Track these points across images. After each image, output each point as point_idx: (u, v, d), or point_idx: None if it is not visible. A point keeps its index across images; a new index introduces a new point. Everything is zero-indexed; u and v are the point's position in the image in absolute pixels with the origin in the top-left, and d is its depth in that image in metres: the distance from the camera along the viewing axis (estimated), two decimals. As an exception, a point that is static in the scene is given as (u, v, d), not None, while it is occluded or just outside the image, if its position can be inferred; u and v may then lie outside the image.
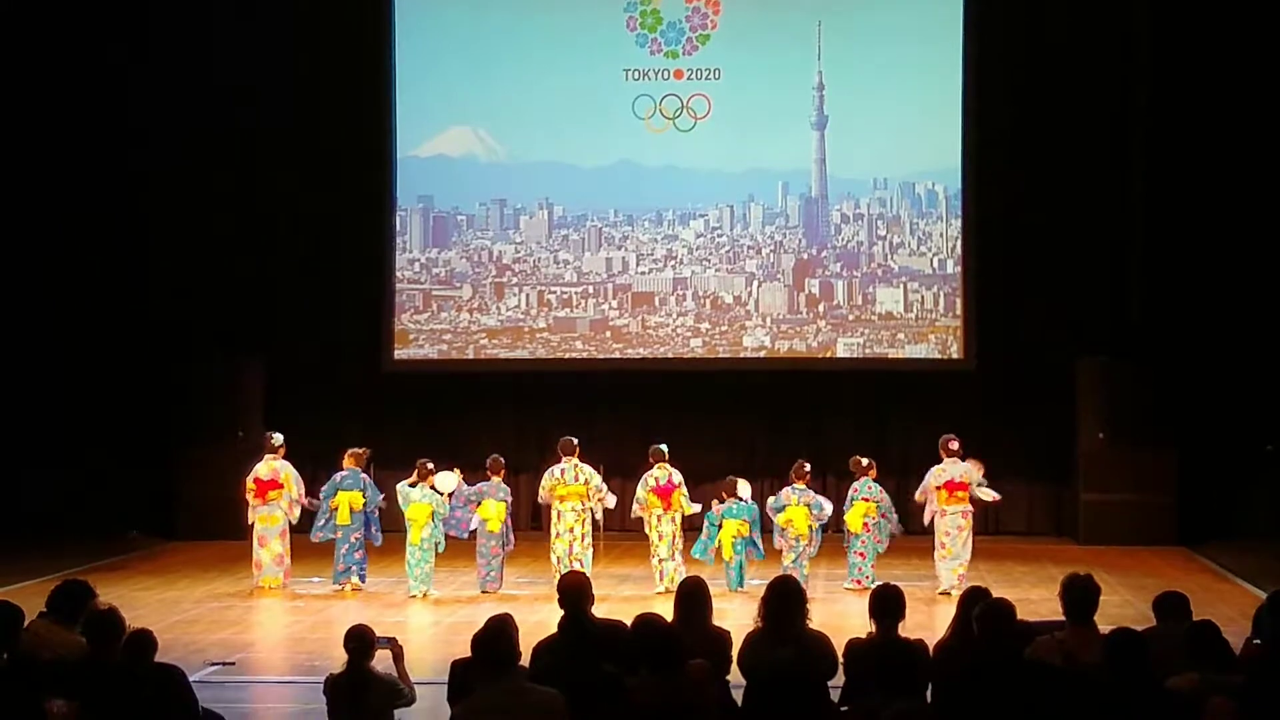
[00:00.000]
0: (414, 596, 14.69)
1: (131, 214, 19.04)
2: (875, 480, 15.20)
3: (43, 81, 18.78)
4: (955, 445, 14.97)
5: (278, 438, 15.60)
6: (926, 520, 15.11)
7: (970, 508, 15.00)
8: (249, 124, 18.86)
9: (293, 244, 19.22)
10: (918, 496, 15.13)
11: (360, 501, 15.10)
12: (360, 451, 15.41)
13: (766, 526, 15.05)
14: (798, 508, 14.72)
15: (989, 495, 15.24)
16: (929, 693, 7.07)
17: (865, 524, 14.89)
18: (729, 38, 18.73)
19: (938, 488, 14.86)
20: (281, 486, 15.37)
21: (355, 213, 19.12)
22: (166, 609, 14.00)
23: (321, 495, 15.25)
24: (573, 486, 14.94)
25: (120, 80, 18.87)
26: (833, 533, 15.53)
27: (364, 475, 15.30)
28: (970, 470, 15.00)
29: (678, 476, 14.95)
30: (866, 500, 14.98)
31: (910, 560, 16.09)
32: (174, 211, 18.98)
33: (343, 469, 15.27)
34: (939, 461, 15.05)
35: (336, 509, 15.06)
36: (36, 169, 18.83)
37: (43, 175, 18.88)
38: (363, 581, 15.15)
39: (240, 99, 18.78)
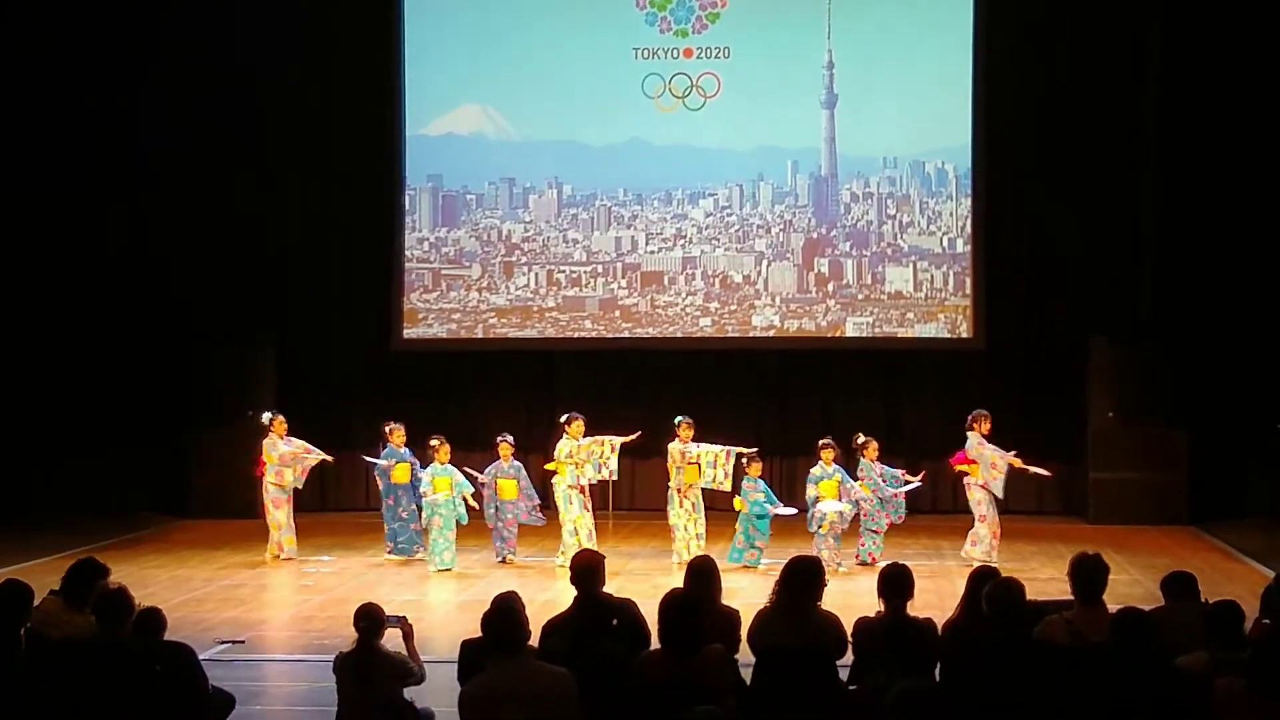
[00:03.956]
0: (443, 570, 14.87)
1: (141, 198, 19.02)
2: (874, 460, 15.17)
3: (51, 67, 18.78)
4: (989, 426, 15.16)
5: (267, 417, 16.00)
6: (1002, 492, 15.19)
7: None
8: (258, 104, 18.85)
9: (302, 224, 19.22)
10: (1000, 469, 15.04)
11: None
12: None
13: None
14: (830, 481, 14.88)
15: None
16: (937, 671, 7.08)
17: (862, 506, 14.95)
18: (738, 16, 18.67)
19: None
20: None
21: (364, 192, 19.12)
22: (177, 587, 14.05)
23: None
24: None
25: (130, 62, 18.85)
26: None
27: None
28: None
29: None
30: (860, 480, 15.00)
31: (919, 538, 16.10)
32: (183, 194, 18.97)
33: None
34: (964, 440, 15.16)
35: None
36: (47, 155, 18.83)
37: (54, 162, 18.87)
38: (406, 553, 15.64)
39: (249, 79, 18.76)
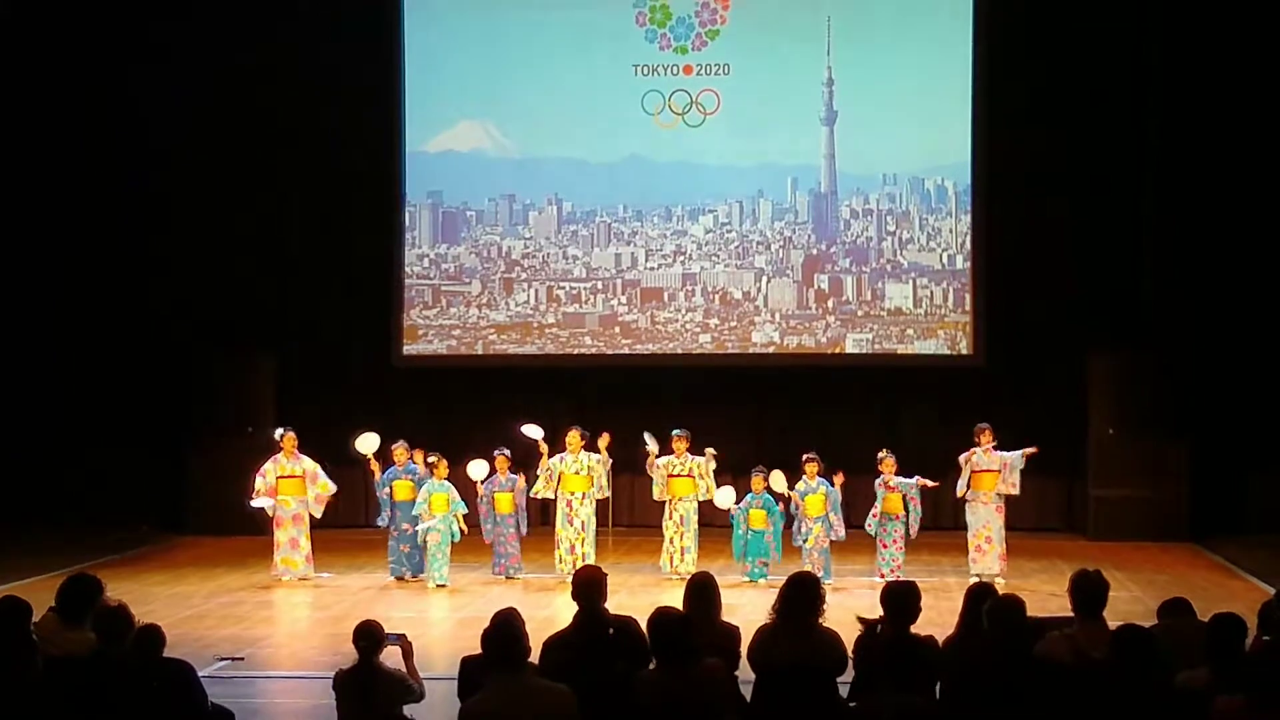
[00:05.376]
0: (440, 586, 14.87)
1: (143, 211, 19.05)
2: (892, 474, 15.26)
3: (54, 86, 18.83)
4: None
5: (279, 433, 15.87)
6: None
7: None
8: (259, 120, 18.87)
9: (303, 239, 19.24)
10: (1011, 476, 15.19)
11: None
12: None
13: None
14: (895, 493, 15.00)
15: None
16: (938, 689, 7.06)
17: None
18: (738, 33, 18.71)
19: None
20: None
21: (365, 208, 19.15)
22: (176, 604, 14.03)
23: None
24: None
25: (132, 78, 18.89)
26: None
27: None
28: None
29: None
30: (894, 492, 15.15)
31: (919, 554, 16.07)
32: (185, 208, 19.01)
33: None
34: (962, 452, 15.39)
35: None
36: (51, 168, 18.91)
37: (57, 175, 18.97)
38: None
39: (250, 96, 18.79)
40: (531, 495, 15.60)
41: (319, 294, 19.20)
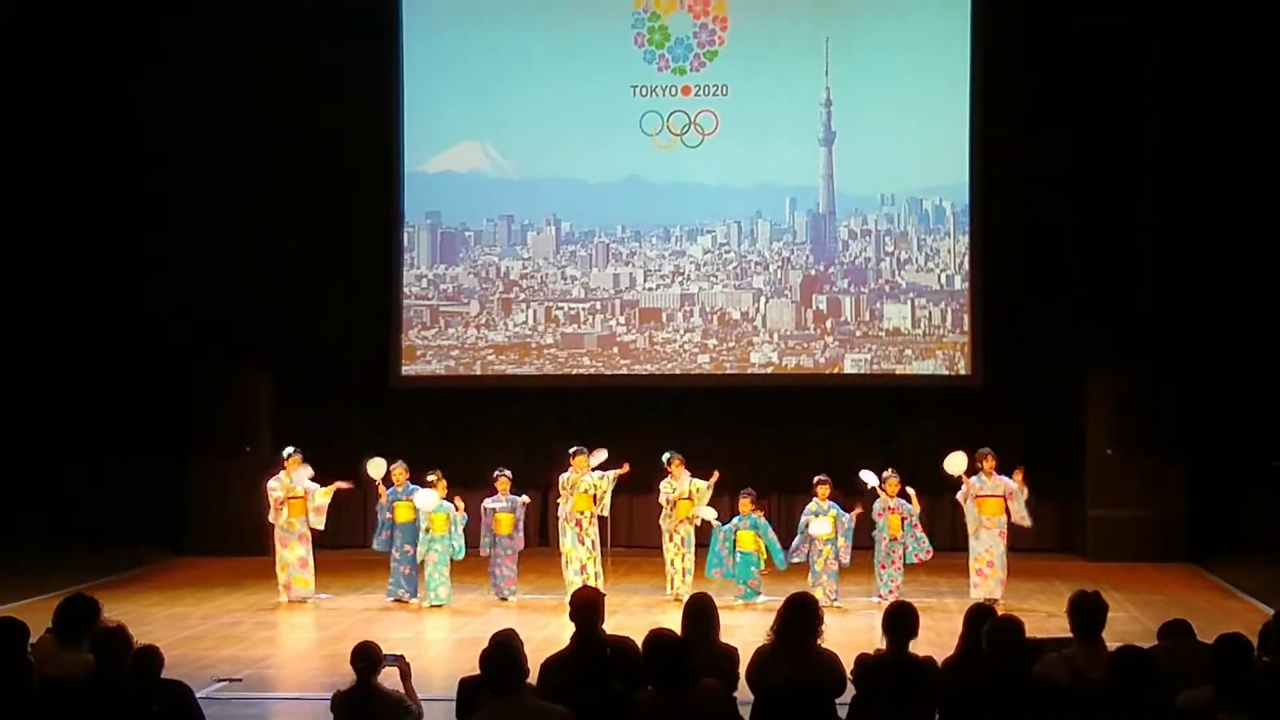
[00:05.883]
0: (436, 606, 14.88)
1: (143, 211, 19.05)
2: (895, 495, 15.27)
3: (55, 86, 18.87)
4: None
5: (288, 451, 15.85)
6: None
7: None
8: (259, 120, 18.86)
9: (301, 259, 19.24)
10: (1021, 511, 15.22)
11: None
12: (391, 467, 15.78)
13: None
14: (895, 515, 15.04)
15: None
16: (937, 710, 7.05)
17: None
18: (737, 54, 18.74)
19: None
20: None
21: (363, 228, 19.15)
22: (174, 625, 14.01)
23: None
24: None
25: (132, 79, 18.90)
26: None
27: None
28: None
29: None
30: (893, 513, 15.17)
31: (917, 575, 16.06)
32: (185, 208, 19.01)
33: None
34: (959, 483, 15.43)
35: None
36: (51, 169, 18.96)
37: (58, 175, 19.00)
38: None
39: (250, 96, 18.80)
40: (562, 518, 15.56)
41: (318, 314, 19.21)
